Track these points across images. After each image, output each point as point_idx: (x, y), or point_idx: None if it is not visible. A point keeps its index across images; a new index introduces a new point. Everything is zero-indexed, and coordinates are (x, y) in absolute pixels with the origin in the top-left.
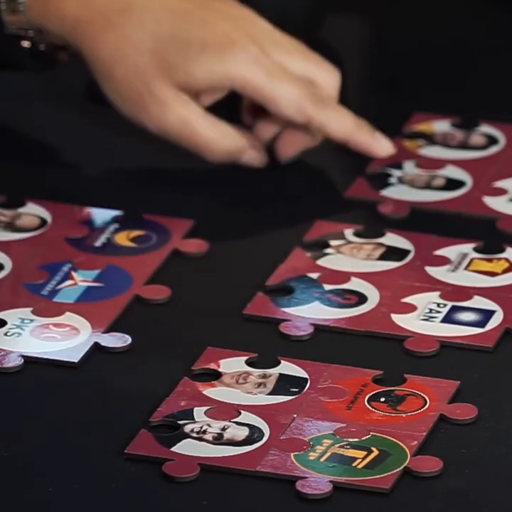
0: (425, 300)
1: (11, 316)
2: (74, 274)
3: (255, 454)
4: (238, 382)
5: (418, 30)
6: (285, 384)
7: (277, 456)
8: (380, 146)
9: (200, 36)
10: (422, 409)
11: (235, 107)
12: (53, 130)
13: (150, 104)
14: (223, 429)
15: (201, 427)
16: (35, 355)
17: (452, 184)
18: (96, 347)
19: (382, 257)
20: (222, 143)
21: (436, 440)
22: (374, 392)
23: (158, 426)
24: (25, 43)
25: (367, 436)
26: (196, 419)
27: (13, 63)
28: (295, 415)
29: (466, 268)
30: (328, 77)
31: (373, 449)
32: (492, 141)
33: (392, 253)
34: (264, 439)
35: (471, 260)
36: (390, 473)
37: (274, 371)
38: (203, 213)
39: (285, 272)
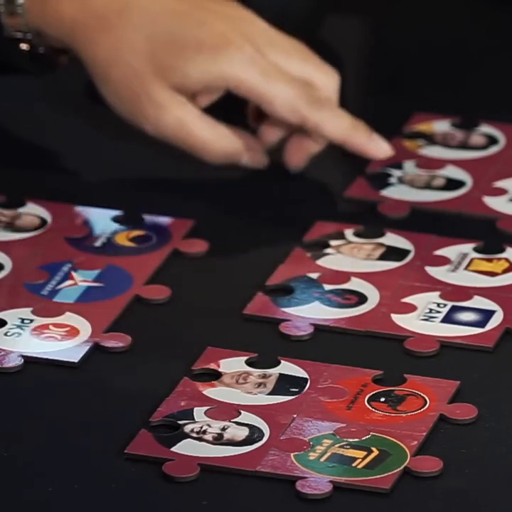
0: (425, 300)
1: (11, 316)
2: (74, 274)
3: (255, 454)
4: (238, 382)
5: (418, 30)
6: (285, 384)
7: (277, 456)
8: (377, 147)
9: (196, 37)
10: (422, 409)
11: (238, 109)
12: (53, 130)
13: (146, 105)
14: (223, 429)
15: (201, 427)
16: (35, 355)
17: (452, 184)
18: (96, 347)
19: (382, 257)
20: (219, 144)
21: (436, 440)
22: (374, 392)
23: (158, 426)
24: (24, 46)
25: (367, 436)
26: (196, 419)
27: (13, 66)
28: (295, 415)
29: (466, 268)
30: (326, 79)
31: (373, 449)
32: (492, 141)
33: (392, 253)
34: (264, 439)
35: (471, 260)
36: (390, 473)
37: (274, 371)
38: (203, 213)
39: (285, 272)
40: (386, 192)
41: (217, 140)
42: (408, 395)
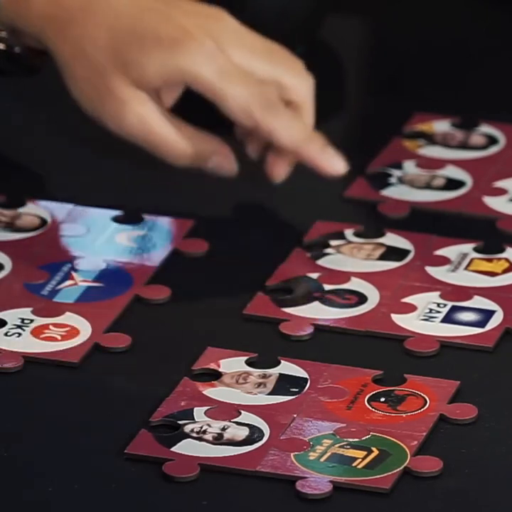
0: (425, 300)
1: (11, 316)
2: (74, 274)
3: (255, 454)
4: (238, 382)
5: (418, 30)
6: (285, 384)
7: (277, 456)
8: (330, 163)
9: (157, 31)
10: (422, 409)
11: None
12: (53, 130)
13: (108, 102)
14: (223, 429)
15: (201, 427)
16: (35, 355)
17: (452, 184)
18: (96, 347)
19: (382, 257)
20: (182, 145)
21: (436, 440)
22: (374, 392)
23: (158, 426)
24: (1, 46)
25: (367, 436)
26: (196, 419)
27: None
28: (295, 415)
29: (466, 268)
30: (296, 81)
31: (373, 449)
32: (492, 141)
33: (392, 253)
34: (264, 439)
35: (471, 260)
36: (390, 473)
37: (274, 371)
38: (203, 213)
39: (285, 272)
40: (386, 192)
41: (181, 140)
42: (408, 395)
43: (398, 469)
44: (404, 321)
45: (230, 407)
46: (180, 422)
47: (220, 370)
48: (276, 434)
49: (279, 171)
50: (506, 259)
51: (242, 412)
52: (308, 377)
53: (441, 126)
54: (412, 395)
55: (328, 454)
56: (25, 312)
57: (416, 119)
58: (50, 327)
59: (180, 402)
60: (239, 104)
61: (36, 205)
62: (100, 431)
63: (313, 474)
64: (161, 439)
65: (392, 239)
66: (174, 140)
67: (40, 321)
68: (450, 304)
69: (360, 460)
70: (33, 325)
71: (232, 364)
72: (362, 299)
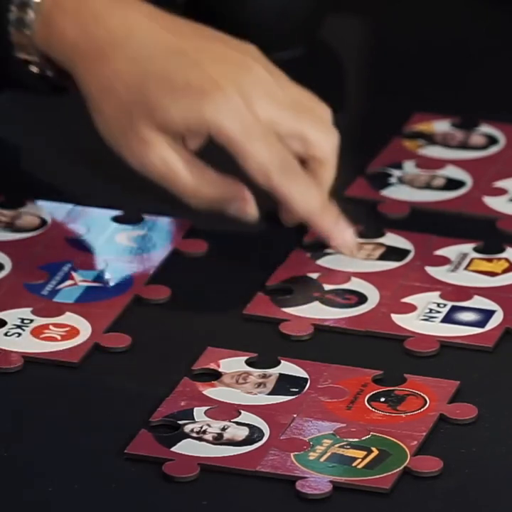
0: (425, 300)
1: (11, 316)
2: (74, 274)
3: (255, 454)
4: (238, 382)
5: (418, 30)
6: (285, 384)
7: (277, 456)
8: (341, 236)
9: (186, 78)
10: (422, 409)
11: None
12: (53, 130)
13: (133, 142)
14: (223, 429)
15: (201, 427)
16: (35, 355)
17: (452, 184)
18: (96, 347)
19: (382, 257)
20: (204, 190)
21: (436, 440)
22: (374, 392)
23: (158, 426)
24: (34, 69)
25: (367, 436)
26: (196, 419)
27: (24, 85)
28: (295, 415)
29: (466, 268)
30: (321, 137)
31: (373, 449)
32: (492, 141)
33: (392, 253)
34: (264, 439)
35: (471, 260)
36: (390, 473)
37: (274, 371)
38: (202, 213)
39: (285, 272)
40: (386, 192)
41: (202, 185)
42: (408, 395)
43: (398, 469)
44: (404, 321)
45: (230, 407)
46: (180, 422)
47: (220, 370)
48: (276, 434)
49: (291, 217)
50: (506, 259)
51: (242, 412)
52: (308, 377)
53: (441, 126)
54: (412, 395)
55: (328, 454)
56: (25, 312)
57: (416, 119)
58: (50, 327)
59: (180, 402)
60: (258, 164)
61: (36, 205)
62: (100, 431)
63: (313, 474)
64: (161, 439)
65: (392, 239)
66: (197, 185)
67: (40, 321)
68: (450, 304)
69: (360, 460)
70: (33, 325)
71: (232, 364)
72: (362, 299)
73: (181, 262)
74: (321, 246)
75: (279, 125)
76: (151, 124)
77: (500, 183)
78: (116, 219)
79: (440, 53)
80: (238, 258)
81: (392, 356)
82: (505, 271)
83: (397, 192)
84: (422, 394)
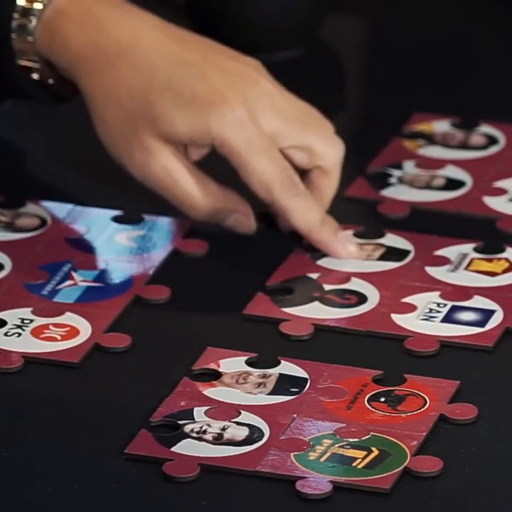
0: (425, 300)
1: (11, 316)
2: (74, 274)
3: (255, 454)
4: (238, 382)
5: (418, 30)
6: (285, 384)
7: (277, 456)
8: (342, 248)
9: (192, 89)
10: (422, 409)
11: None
12: (53, 130)
13: (135, 150)
14: (223, 429)
15: (201, 427)
16: (35, 355)
17: (452, 184)
18: (96, 347)
19: (382, 258)
20: (203, 200)
21: (436, 440)
22: (374, 392)
23: (158, 426)
24: (35, 76)
25: (367, 436)
26: (196, 419)
27: (25, 93)
28: (295, 415)
29: (466, 268)
30: (326, 147)
31: (373, 449)
32: (492, 141)
33: (392, 254)
34: (264, 439)
35: (471, 260)
36: (390, 473)
37: (274, 371)
38: None
39: (285, 272)
40: (386, 192)
41: (203, 196)
42: (408, 395)
43: (398, 469)
44: (404, 321)
45: (230, 407)
46: (180, 422)
47: (220, 370)
48: (276, 434)
49: (289, 223)
50: (506, 259)
51: (242, 412)
52: (308, 377)
53: (441, 126)
54: (412, 395)
55: (328, 454)
56: (25, 312)
57: (416, 119)
58: (50, 327)
59: (180, 402)
60: (260, 178)
61: (36, 205)
62: (100, 431)
63: (313, 474)
64: (161, 439)
65: (392, 239)
66: (196, 196)
67: (40, 321)
68: (450, 304)
69: (360, 460)
70: (33, 325)
71: (232, 364)
72: (362, 299)
73: (181, 262)
74: None
75: (284, 137)
76: (155, 133)
77: (500, 183)
78: (116, 219)
79: (440, 53)
80: (238, 258)
81: (392, 356)
82: (505, 271)
83: (397, 192)
84: (422, 394)
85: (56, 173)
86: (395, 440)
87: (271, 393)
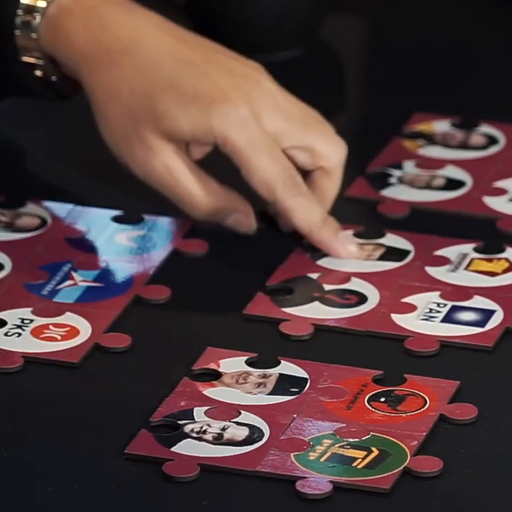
0: (425, 300)
1: (11, 316)
2: (74, 274)
3: (255, 454)
4: (238, 382)
5: (418, 30)
6: (285, 384)
7: (277, 456)
8: (343, 248)
9: (194, 87)
10: (422, 409)
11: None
12: (54, 129)
13: (137, 148)
14: (223, 429)
15: (201, 427)
16: (35, 355)
17: (452, 184)
18: (96, 347)
19: (382, 258)
20: (204, 199)
21: (436, 440)
22: (374, 392)
23: (158, 426)
24: (38, 73)
25: (367, 436)
26: (196, 419)
27: (28, 90)
28: (295, 415)
29: (466, 268)
30: (329, 148)
31: (373, 449)
32: (492, 141)
33: (392, 254)
34: (264, 439)
35: (471, 260)
36: (390, 473)
37: (274, 371)
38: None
39: (285, 272)
40: (386, 192)
41: (204, 195)
42: (408, 395)
43: (398, 469)
44: (404, 321)
45: (230, 407)
46: (180, 422)
47: (220, 370)
48: (276, 434)
49: (290, 223)
50: (506, 259)
51: (242, 412)
52: (308, 377)
53: (441, 126)
54: (412, 395)
55: (328, 454)
56: (25, 312)
57: (416, 119)
58: (50, 327)
59: (180, 402)
60: (262, 177)
61: (36, 205)
62: (100, 431)
63: (313, 474)
64: (161, 439)
65: (392, 239)
66: (197, 195)
67: (40, 321)
68: (450, 304)
69: (360, 460)
70: (33, 325)
71: (232, 364)
72: (362, 299)
73: (181, 262)
74: None
75: (286, 137)
76: (157, 130)
77: (500, 183)
78: (116, 219)
79: (440, 53)
80: (238, 258)
81: (392, 356)
82: (505, 271)
83: (397, 192)
84: (422, 394)
85: (56, 172)
86: (395, 440)
87: (271, 393)
